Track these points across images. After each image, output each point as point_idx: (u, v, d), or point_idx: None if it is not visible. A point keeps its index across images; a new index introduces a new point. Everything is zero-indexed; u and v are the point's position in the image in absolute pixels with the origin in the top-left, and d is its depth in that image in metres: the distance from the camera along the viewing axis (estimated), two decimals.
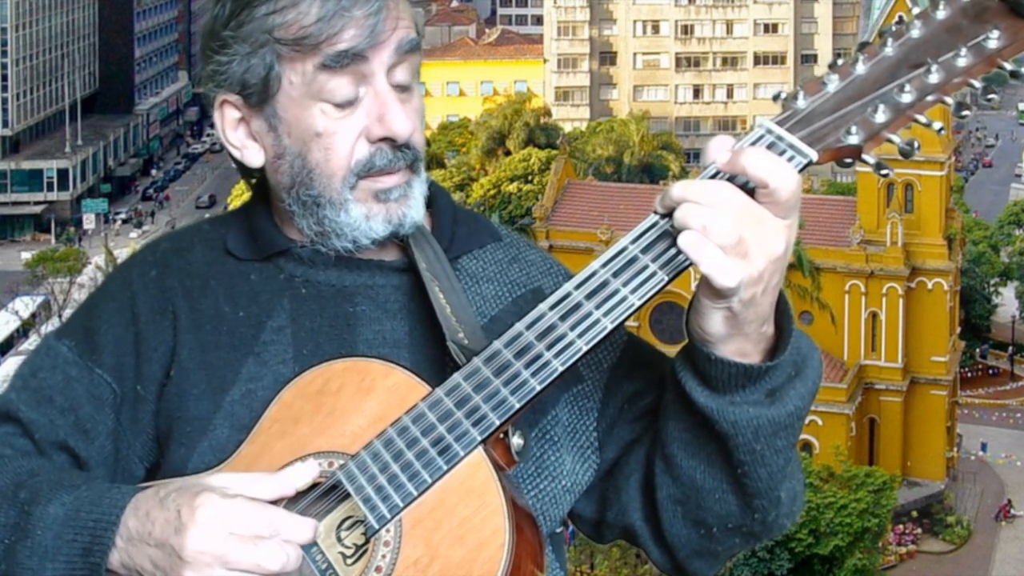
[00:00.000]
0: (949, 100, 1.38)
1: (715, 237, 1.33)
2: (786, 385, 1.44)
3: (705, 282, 1.36)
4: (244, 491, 1.37)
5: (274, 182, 1.60)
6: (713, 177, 1.38)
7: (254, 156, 1.59)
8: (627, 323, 1.50)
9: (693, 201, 1.35)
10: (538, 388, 1.41)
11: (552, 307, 1.43)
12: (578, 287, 1.43)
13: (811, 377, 1.47)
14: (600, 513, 1.62)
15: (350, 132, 1.53)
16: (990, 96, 1.39)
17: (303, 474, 1.41)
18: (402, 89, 1.55)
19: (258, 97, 1.56)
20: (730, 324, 1.39)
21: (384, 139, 1.53)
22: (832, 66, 1.43)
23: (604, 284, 1.42)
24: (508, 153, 56.72)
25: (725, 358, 1.41)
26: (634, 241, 1.41)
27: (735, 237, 1.33)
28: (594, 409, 1.61)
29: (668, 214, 1.39)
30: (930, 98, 1.38)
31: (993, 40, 1.38)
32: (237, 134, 1.60)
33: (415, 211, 1.57)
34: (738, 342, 1.41)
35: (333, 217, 1.55)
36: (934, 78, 1.38)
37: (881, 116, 1.37)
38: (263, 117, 1.57)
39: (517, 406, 1.41)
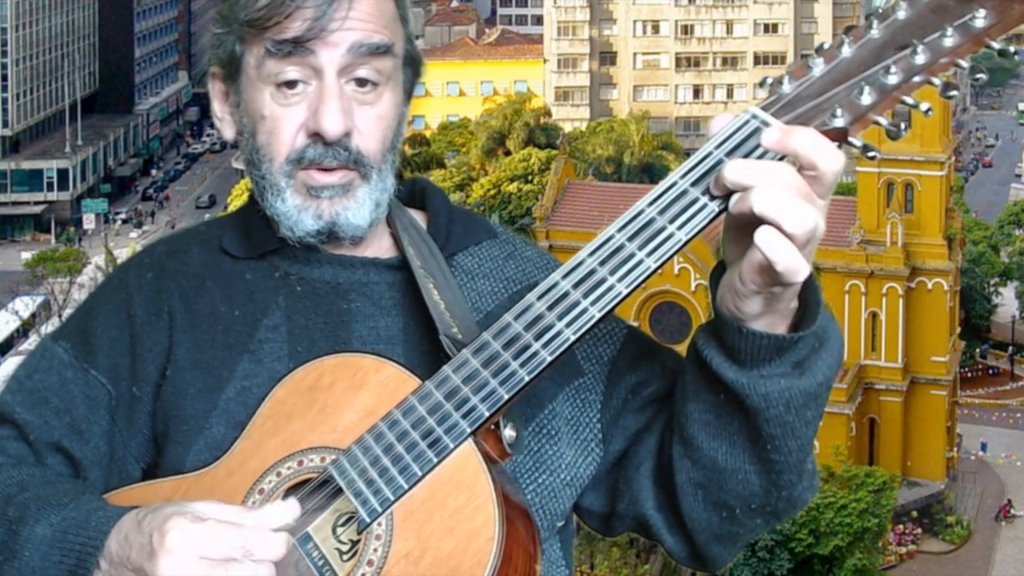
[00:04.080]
0: (936, 81, 1.38)
1: (794, 228, 1.31)
2: (812, 356, 1.44)
3: (761, 270, 1.34)
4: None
5: (244, 161, 1.64)
6: (728, 154, 1.37)
7: (228, 130, 1.65)
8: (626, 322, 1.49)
9: (763, 186, 1.33)
10: (527, 378, 1.41)
11: (540, 297, 1.43)
12: (565, 276, 1.43)
13: (835, 347, 1.46)
14: (610, 506, 1.62)
15: (292, 121, 1.56)
16: (978, 76, 1.38)
17: (284, 514, 1.39)
18: (363, 89, 1.57)
19: (229, 73, 1.62)
20: (767, 303, 1.39)
21: (317, 134, 1.55)
22: (818, 50, 1.42)
23: (591, 272, 1.41)
24: (508, 153, 56.77)
25: (756, 330, 1.41)
26: (620, 229, 1.41)
27: (812, 226, 1.32)
28: (596, 402, 1.62)
29: (720, 196, 1.37)
30: (916, 79, 1.37)
31: (979, 19, 1.37)
32: (222, 107, 1.66)
33: (354, 214, 1.57)
34: (769, 317, 1.41)
35: (273, 203, 1.58)
36: (920, 59, 1.37)
37: (867, 98, 1.36)
38: (234, 92, 1.62)
39: (506, 396, 1.41)
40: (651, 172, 56.05)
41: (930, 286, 43.00)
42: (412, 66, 1.65)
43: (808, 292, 1.41)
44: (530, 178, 53.05)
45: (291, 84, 1.55)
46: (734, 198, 1.35)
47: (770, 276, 1.33)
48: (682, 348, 1.57)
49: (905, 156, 41.79)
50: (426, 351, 1.55)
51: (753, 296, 1.38)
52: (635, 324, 1.78)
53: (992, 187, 77.82)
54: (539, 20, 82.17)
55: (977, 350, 54.55)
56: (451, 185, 51.68)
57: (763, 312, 1.39)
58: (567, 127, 63.38)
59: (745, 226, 1.35)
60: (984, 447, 47.23)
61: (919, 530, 41.48)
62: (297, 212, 1.57)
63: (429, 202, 1.71)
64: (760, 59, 77.12)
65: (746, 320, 1.40)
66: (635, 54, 77.31)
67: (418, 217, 1.70)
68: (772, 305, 1.39)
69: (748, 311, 1.39)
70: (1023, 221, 62.14)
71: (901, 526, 40.88)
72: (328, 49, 1.53)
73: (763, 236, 1.32)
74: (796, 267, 1.32)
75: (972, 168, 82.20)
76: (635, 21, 77.20)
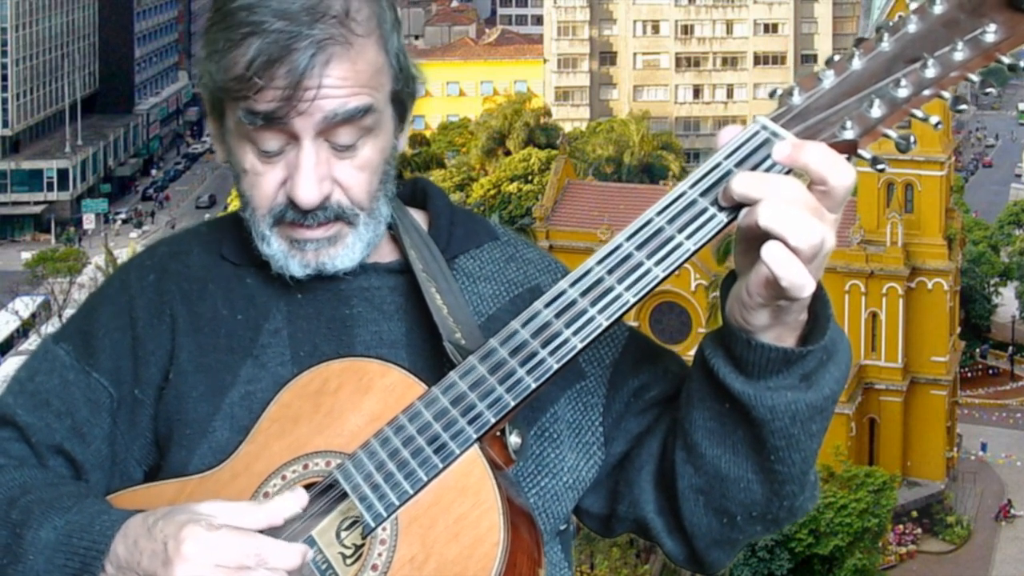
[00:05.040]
0: (946, 94, 1.37)
1: (799, 242, 1.31)
2: (819, 369, 1.44)
3: (767, 283, 1.34)
4: (231, 521, 1.36)
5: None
6: (737, 165, 1.37)
7: (221, 154, 1.62)
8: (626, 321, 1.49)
9: (770, 200, 1.32)
10: (534, 386, 1.41)
11: (547, 304, 1.43)
12: (573, 284, 1.42)
13: (843, 361, 1.46)
14: (610, 507, 1.62)
15: (272, 179, 1.53)
16: (988, 90, 1.38)
17: (292, 504, 1.40)
18: (343, 148, 1.53)
19: (214, 112, 1.59)
20: (774, 316, 1.39)
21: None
22: (828, 62, 1.42)
23: (599, 281, 1.41)
24: (508, 153, 56.73)
25: (765, 343, 1.40)
26: (629, 238, 1.41)
27: (819, 242, 1.31)
28: (598, 405, 1.61)
29: (729, 208, 1.37)
30: (927, 92, 1.37)
31: (990, 34, 1.37)
32: (215, 130, 1.63)
33: (343, 259, 1.57)
34: (777, 330, 1.41)
35: (258, 243, 1.57)
36: (930, 72, 1.37)
37: (877, 111, 1.36)
38: (220, 128, 1.59)
39: (512, 404, 1.41)
40: (651, 172, 56.05)
41: (930, 286, 42.98)
42: (403, 98, 1.60)
43: (818, 305, 1.41)
44: (530, 178, 53.02)
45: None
46: (743, 211, 1.35)
47: (776, 290, 1.33)
48: (682, 348, 1.57)
49: (905, 156, 41.72)
50: (429, 355, 1.55)
51: (760, 308, 1.38)
52: (635, 324, 1.78)
53: (992, 187, 77.75)
54: (539, 20, 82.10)
55: (977, 350, 54.49)
56: (451, 185, 51.64)
57: (771, 324, 1.39)
58: (567, 127, 63.36)
59: (754, 239, 1.34)
60: (984, 447, 47.19)
61: (919, 530, 41.46)
62: (284, 257, 1.56)
63: (430, 203, 1.71)
64: (760, 59, 77.08)
65: (754, 332, 1.40)
66: (635, 54, 77.26)
67: (419, 217, 1.69)
68: (780, 318, 1.38)
69: (756, 323, 1.39)
70: (1023, 221, 62.11)
71: (901, 526, 40.86)
72: (302, 119, 1.49)
73: (769, 250, 1.31)
74: (801, 282, 1.31)
75: (972, 168, 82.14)
76: (635, 21, 77.16)
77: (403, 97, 1.59)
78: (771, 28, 77.39)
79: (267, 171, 1.53)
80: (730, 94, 77.04)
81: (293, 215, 1.53)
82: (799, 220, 1.31)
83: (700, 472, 1.50)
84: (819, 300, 1.41)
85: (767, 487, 1.49)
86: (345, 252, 1.56)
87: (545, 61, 76.85)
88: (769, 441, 1.45)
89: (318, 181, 1.51)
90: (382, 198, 1.58)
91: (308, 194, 1.51)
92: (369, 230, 1.57)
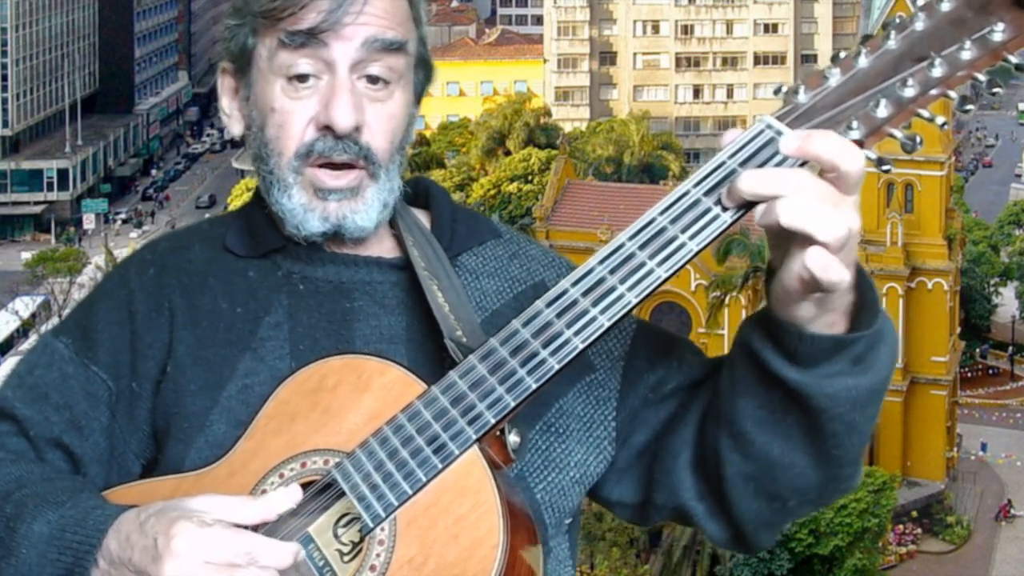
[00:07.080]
0: (953, 94, 1.36)
1: (827, 237, 1.30)
2: (871, 352, 1.42)
3: (801, 280, 1.33)
4: (224, 516, 1.36)
5: (251, 157, 1.63)
6: (742, 164, 1.36)
7: (236, 125, 1.63)
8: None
9: (786, 196, 1.31)
10: (534, 386, 1.40)
11: (549, 304, 1.42)
12: (575, 284, 1.41)
13: (892, 341, 1.45)
14: (646, 496, 1.60)
15: (303, 115, 1.54)
16: (995, 90, 1.37)
17: (286, 499, 1.40)
18: (374, 87, 1.56)
19: (240, 66, 1.60)
20: (819, 305, 1.38)
21: (327, 127, 1.53)
22: (834, 60, 1.40)
23: (601, 281, 1.40)
24: (508, 153, 56.74)
25: (817, 333, 1.39)
26: (631, 237, 1.40)
27: (845, 231, 1.30)
28: (611, 399, 1.60)
29: (733, 207, 1.36)
30: (933, 92, 1.36)
31: (998, 33, 1.35)
32: (230, 103, 1.64)
33: (362, 217, 1.56)
34: (828, 316, 1.39)
35: (278, 199, 1.57)
36: (937, 72, 1.35)
37: (883, 110, 1.35)
38: (244, 86, 1.61)
39: (512, 404, 1.40)
40: (651, 172, 56.04)
41: (930, 286, 42.99)
42: (424, 68, 1.64)
43: (862, 284, 1.39)
44: (530, 178, 53.03)
45: (302, 78, 1.54)
46: (758, 210, 1.33)
47: (811, 284, 1.32)
48: None
49: (905, 156, 41.73)
50: (429, 351, 1.55)
51: (802, 302, 1.36)
52: None
53: (992, 187, 77.77)
54: (539, 20, 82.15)
55: (977, 350, 54.49)
56: (451, 185, 51.60)
57: (819, 314, 1.38)
58: (567, 127, 63.36)
59: (780, 235, 1.33)
60: (984, 447, 47.20)
61: (919, 530, 41.47)
62: (303, 211, 1.55)
63: (433, 201, 1.71)
64: (760, 59, 77.11)
65: (804, 324, 1.38)
66: (635, 54, 77.29)
67: (421, 216, 1.69)
68: (825, 306, 1.37)
69: (803, 315, 1.38)
70: (1023, 221, 62.14)
71: (901, 526, 40.86)
72: (341, 43, 1.52)
73: (810, 258, 1.30)
74: (837, 278, 1.31)
75: (972, 168, 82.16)
76: (635, 21, 77.19)
77: (427, 59, 1.64)
78: (771, 28, 77.42)
79: (296, 107, 1.55)
80: (730, 94, 77.06)
81: (323, 146, 1.54)
82: (821, 213, 1.30)
83: (749, 459, 1.48)
84: (861, 278, 1.39)
85: (823, 472, 1.48)
86: (365, 209, 1.56)
87: (545, 61, 76.88)
88: (827, 427, 1.43)
89: (353, 106, 1.53)
90: (398, 164, 1.59)
91: (344, 115, 1.52)
92: (385, 190, 1.57)
